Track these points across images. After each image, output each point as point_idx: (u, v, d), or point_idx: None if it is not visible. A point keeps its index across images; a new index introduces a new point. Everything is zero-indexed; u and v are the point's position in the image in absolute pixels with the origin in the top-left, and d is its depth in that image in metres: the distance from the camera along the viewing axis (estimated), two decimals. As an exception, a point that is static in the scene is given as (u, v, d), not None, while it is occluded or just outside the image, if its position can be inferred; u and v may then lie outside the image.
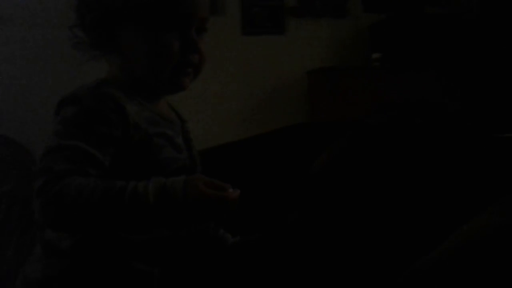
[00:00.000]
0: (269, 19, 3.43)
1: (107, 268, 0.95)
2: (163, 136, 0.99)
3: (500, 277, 0.77)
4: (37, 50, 2.97)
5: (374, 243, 1.07)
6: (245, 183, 0.91)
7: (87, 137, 0.89)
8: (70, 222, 0.86)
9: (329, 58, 3.48)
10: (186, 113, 1.15)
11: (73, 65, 1.05)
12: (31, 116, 2.84)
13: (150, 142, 0.95)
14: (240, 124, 3.29)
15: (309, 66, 3.39)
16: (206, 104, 3.24)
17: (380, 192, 1.14)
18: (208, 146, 1.52)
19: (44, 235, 0.98)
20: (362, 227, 1.10)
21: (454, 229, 0.89)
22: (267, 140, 1.64)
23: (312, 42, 3.47)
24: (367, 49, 3.36)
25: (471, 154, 1.15)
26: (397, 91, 2.95)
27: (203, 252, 1.10)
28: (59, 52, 2.45)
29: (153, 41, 0.97)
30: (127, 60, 1.01)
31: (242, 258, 1.12)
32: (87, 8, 0.99)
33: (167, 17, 0.97)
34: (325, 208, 1.18)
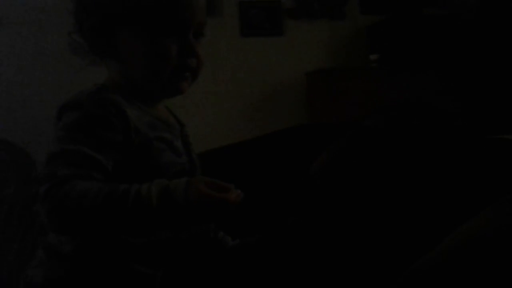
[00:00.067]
0: (268, 20, 3.43)
1: (109, 271, 0.95)
2: (163, 140, 0.99)
3: (500, 277, 0.78)
4: (36, 54, 2.97)
5: (373, 243, 1.07)
6: (244, 185, 0.92)
7: (90, 141, 0.90)
8: (75, 225, 0.86)
9: (327, 59, 3.48)
10: (185, 114, 1.16)
11: (73, 68, 1.05)
12: (31, 120, 2.84)
13: (151, 146, 0.96)
14: (239, 125, 3.30)
15: (307, 67, 3.40)
16: (205, 106, 3.24)
17: (379, 192, 1.14)
18: (207, 147, 1.52)
19: (46, 239, 0.98)
20: (361, 228, 1.10)
21: (453, 229, 0.90)
22: (266, 142, 1.64)
23: (311, 43, 3.47)
24: (365, 50, 3.37)
25: (470, 155, 1.16)
26: (396, 92, 2.95)
27: (204, 255, 1.11)
28: (59, 56, 2.47)
29: (151, 46, 0.98)
30: (126, 65, 1.01)
31: (242, 260, 1.13)
32: (86, 14, 0.99)
33: (165, 22, 0.97)
34: (325, 209, 1.18)
